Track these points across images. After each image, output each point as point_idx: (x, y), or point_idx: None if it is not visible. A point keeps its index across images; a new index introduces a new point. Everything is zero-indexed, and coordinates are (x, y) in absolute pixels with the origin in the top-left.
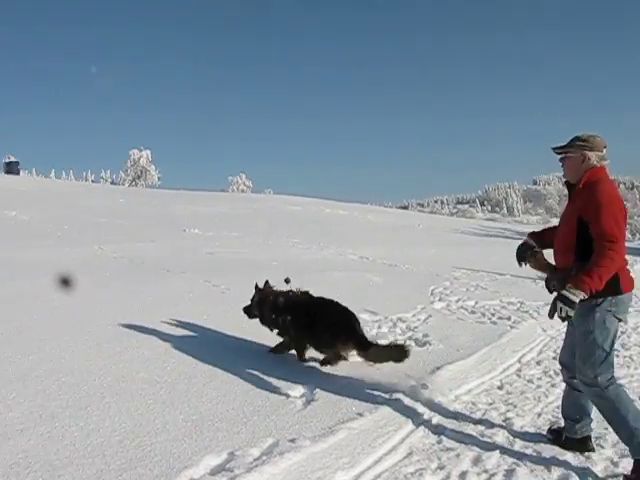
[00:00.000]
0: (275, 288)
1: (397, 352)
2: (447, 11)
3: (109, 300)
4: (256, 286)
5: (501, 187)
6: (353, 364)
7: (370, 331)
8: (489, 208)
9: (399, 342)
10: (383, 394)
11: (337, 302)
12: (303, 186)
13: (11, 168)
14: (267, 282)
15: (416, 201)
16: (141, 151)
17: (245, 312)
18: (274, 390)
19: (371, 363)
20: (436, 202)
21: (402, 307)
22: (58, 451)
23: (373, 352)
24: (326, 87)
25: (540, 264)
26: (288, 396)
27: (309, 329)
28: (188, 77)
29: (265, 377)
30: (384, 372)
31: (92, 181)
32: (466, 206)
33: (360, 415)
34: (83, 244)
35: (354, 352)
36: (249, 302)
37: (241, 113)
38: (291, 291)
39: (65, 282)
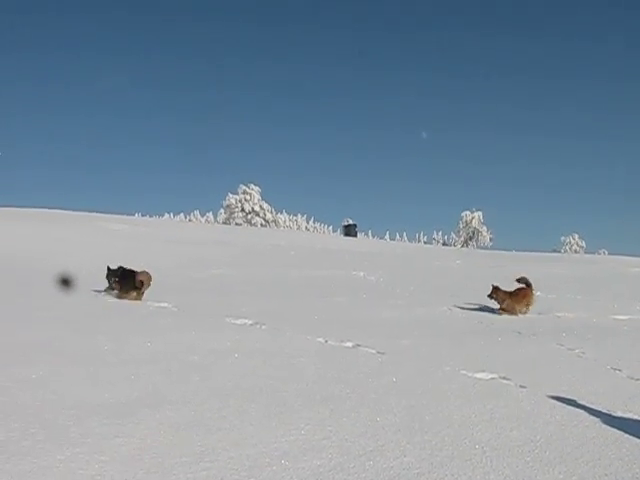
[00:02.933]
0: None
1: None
2: None
3: (473, 356)
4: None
5: None
6: None
7: None
8: None
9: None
10: None
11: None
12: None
13: (350, 231)
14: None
15: None
16: (473, 213)
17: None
18: None
19: None
20: None
21: None
22: None
23: None
24: None
25: None
26: None
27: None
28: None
29: None
30: None
31: (424, 242)
32: None
33: None
34: (432, 304)
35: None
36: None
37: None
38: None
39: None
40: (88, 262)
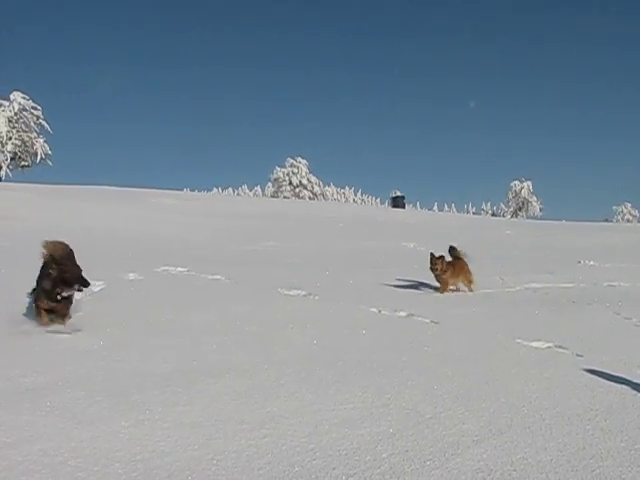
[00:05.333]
0: None
1: None
2: None
3: (528, 325)
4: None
5: None
6: None
7: None
8: None
9: None
10: None
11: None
12: None
13: (397, 202)
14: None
15: None
16: (522, 182)
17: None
18: None
19: None
20: None
21: None
22: (513, 463)
23: None
24: None
25: None
26: None
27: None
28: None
29: None
30: None
31: (473, 213)
32: None
33: None
34: (484, 274)
35: None
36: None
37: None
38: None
39: None
40: (148, 238)
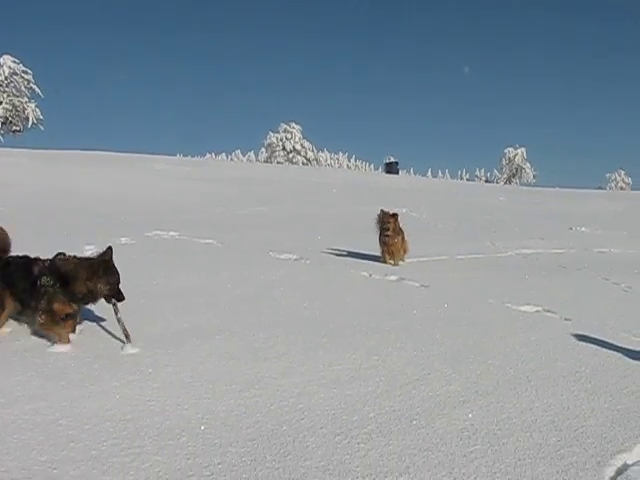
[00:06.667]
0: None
1: None
2: None
3: (518, 289)
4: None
5: None
6: None
7: None
8: None
9: None
10: None
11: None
12: None
13: (391, 168)
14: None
15: None
16: (516, 149)
17: None
18: None
19: None
20: None
21: None
22: (498, 423)
23: None
24: None
25: None
26: None
27: None
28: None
29: None
30: None
31: (467, 179)
32: None
33: None
34: (476, 240)
35: None
36: None
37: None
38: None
39: None
40: (139, 203)
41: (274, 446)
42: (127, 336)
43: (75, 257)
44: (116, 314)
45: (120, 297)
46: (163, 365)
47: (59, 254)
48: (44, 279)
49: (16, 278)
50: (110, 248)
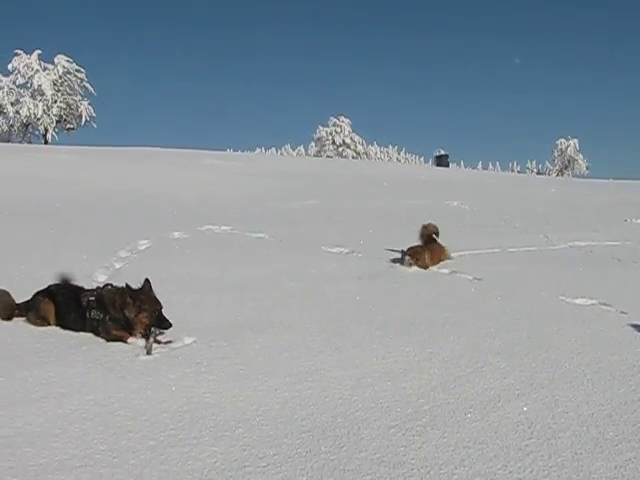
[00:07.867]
0: None
1: None
2: None
3: (572, 282)
4: None
5: None
6: None
7: None
8: None
9: None
10: None
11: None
12: None
13: (441, 161)
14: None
15: None
16: (568, 140)
17: None
18: None
19: None
20: None
21: None
22: (554, 416)
23: None
24: None
25: None
26: None
27: None
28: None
29: None
30: None
31: (518, 172)
32: None
33: None
34: (528, 232)
35: None
36: None
37: None
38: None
39: None
40: (191, 197)
41: (329, 438)
42: (149, 351)
43: (120, 288)
44: (152, 333)
45: (166, 325)
46: (218, 358)
47: (106, 285)
48: (94, 313)
49: (64, 310)
50: (147, 280)
